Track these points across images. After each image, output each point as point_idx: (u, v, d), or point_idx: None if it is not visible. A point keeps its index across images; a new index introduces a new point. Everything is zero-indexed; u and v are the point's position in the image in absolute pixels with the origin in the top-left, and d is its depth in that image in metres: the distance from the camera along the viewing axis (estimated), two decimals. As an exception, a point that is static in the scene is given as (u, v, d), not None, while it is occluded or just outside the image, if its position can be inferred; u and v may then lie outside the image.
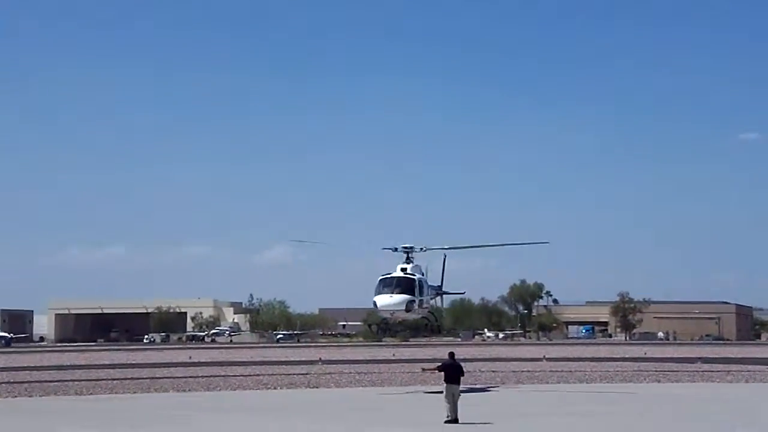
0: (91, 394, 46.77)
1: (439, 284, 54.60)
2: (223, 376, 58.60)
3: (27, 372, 66.01)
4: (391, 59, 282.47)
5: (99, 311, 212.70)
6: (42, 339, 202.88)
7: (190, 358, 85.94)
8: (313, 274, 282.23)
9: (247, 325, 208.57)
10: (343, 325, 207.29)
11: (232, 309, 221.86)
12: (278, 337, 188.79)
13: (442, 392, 32.40)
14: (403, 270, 47.45)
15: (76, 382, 53.67)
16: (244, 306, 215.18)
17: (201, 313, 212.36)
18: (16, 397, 45.75)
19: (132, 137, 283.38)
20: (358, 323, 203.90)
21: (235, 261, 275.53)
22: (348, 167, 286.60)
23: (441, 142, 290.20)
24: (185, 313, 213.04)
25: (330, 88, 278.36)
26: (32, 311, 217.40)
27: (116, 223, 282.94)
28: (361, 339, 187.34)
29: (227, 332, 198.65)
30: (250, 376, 58.58)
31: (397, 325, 51.72)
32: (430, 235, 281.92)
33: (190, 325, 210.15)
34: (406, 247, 48.47)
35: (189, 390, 48.16)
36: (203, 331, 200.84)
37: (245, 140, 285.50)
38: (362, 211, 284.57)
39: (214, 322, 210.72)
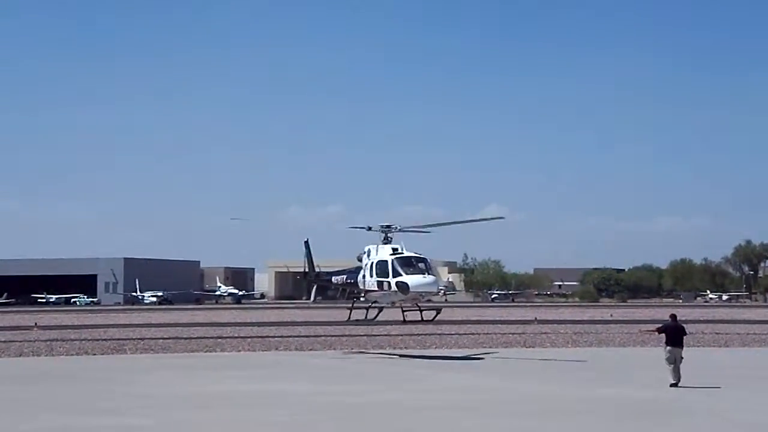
0: (310, 349, 47.77)
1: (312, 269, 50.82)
2: (438, 334, 58.83)
3: (250, 327, 68.12)
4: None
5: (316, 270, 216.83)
6: (262, 296, 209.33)
7: (406, 316, 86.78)
8: (529, 234, 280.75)
9: (462, 284, 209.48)
10: (559, 285, 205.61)
11: (446, 268, 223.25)
12: (493, 296, 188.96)
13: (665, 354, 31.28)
14: (395, 250, 43.53)
15: (296, 338, 54.95)
16: (458, 265, 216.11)
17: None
18: (239, 351, 47.26)
19: (352, 99, 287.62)
20: (574, 283, 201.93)
21: (448, 219, 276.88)
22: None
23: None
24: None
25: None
26: (253, 269, 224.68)
27: (335, 184, 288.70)
28: (576, 299, 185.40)
29: (442, 291, 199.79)
30: (465, 334, 58.57)
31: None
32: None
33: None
34: (384, 226, 44.69)
35: (405, 347, 48.54)
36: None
37: (463, 94, 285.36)
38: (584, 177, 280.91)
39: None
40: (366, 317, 44.91)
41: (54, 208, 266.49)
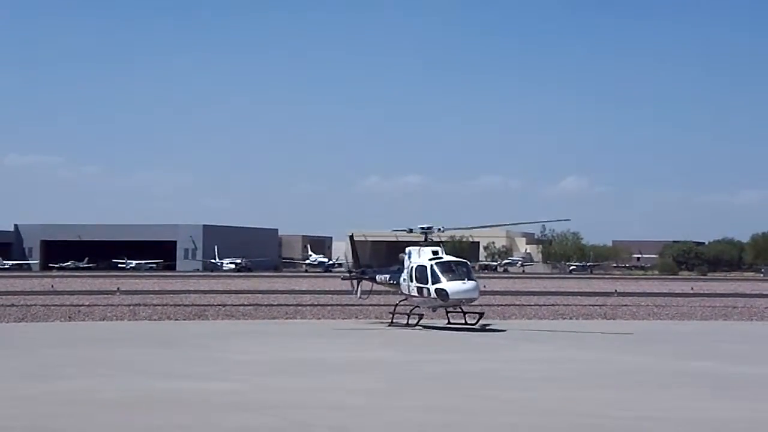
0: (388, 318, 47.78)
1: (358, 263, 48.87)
2: (518, 305, 58.65)
3: (330, 296, 68.48)
4: None
5: (394, 239, 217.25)
6: (341, 265, 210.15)
7: (485, 286, 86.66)
8: (608, 206, 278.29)
9: (540, 255, 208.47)
10: (638, 258, 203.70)
11: (524, 239, 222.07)
12: (571, 268, 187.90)
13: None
14: (435, 253, 42.04)
15: (376, 307, 55.00)
16: (536, 237, 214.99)
17: (493, 242, 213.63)
18: (319, 319, 47.59)
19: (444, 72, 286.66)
20: (653, 256, 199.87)
21: (526, 191, 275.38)
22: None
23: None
24: (478, 242, 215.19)
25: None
26: (331, 237, 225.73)
27: (412, 154, 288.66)
28: (656, 272, 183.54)
29: (520, 262, 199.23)
30: (545, 306, 58.32)
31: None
32: None
33: (482, 254, 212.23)
34: (424, 228, 43.63)
35: (485, 318, 48.33)
36: (495, 261, 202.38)
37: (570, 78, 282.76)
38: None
39: (507, 252, 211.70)
40: (407, 322, 42.71)
41: (135, 174, 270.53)
